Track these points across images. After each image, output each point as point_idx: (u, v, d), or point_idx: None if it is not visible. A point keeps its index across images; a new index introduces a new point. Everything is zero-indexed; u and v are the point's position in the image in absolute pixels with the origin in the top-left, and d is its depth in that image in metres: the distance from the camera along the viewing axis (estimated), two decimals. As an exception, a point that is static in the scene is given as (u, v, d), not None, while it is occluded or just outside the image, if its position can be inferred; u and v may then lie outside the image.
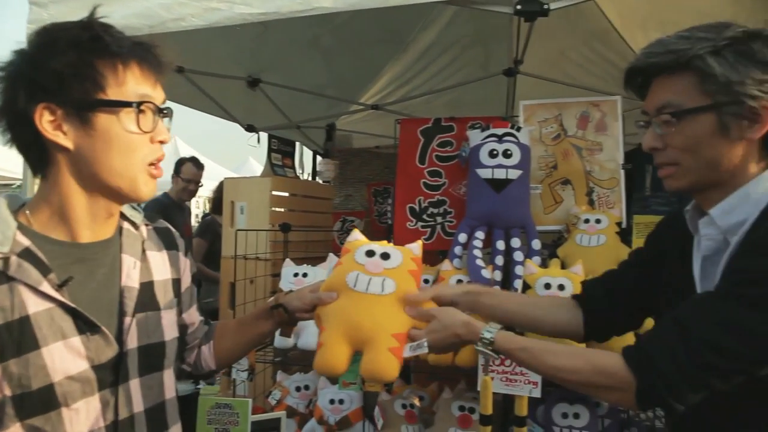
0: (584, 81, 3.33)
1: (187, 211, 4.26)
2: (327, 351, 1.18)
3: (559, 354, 1.06)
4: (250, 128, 4.16)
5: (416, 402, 1.98)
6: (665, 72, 1.00)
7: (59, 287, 0.90)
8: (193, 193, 4.23)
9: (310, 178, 4.82)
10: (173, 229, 1.19)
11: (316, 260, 2.21)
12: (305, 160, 4.91)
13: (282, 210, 3.23)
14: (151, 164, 0.97)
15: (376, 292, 1.19)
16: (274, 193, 3.12)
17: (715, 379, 0.89)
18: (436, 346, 1.16)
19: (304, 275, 2.09)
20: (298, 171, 4.23)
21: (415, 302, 1.21)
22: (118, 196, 0.97)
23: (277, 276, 2.45)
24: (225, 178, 3.43)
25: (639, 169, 2.49)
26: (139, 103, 0.93)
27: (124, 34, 0.95)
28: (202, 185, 4.31)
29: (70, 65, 0.89)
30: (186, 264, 1.19)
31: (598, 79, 3.31)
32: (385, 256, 1.25)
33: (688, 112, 0.97)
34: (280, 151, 3.73)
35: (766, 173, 0.98)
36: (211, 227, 4.29)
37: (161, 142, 0.98)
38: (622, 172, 2.15)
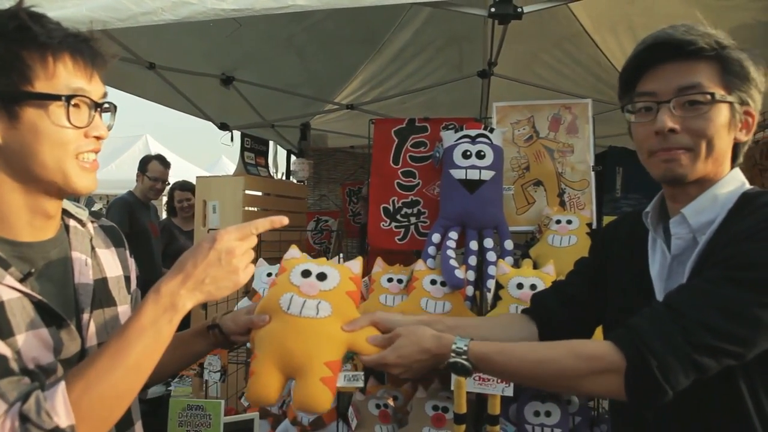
0: (556, 83, 3.39)
1: (154, 210, 4.17)
2: (257, 380, 1.11)
3: (538, 348, 1.05)
4: (223, 126, 4.12)
5: (390, 402, 1.98)
6: (695, 54, 0.97)
7: (22, 281, 0.87)
8: (160, 192, 4.15)
9: (284, 178, 4.79)
10: (118, 228, 1.16)
11: (290, 260, 2.19)
12: (279, 159, 4.89)
13: (255, 209, 3.20)
14: (80, 155, 0.91)
15: (311, 315, 1.13)
16: (247, 192, 3.09)
17: (708, 359, 0.89)
18: (404, 364, 1.11)
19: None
20: (272, 170, 4.20)
21: (352, 330, 1.16)
22: (53, 190, 0.92)
23: (250, 276, 2.42)
24: (197, 177, 3.39)
25: (609, 171, 2.54)
26: (70, 97, 0.88)
27: (58, 24, 0.90)
28: (169, 184, 4.24)
29: None
30: (132, 264, 1.16)
31: (569, 81, 3.38)
32: (322, 276, 1.19)
33: (719, 98, 0.96)
34: (254, 150, 3.70)
35: (729, 176, 1.03)
36: (166, 228, 4.22)
37: (97, 138, 0.93)
38: (592, 173, 2.19)
